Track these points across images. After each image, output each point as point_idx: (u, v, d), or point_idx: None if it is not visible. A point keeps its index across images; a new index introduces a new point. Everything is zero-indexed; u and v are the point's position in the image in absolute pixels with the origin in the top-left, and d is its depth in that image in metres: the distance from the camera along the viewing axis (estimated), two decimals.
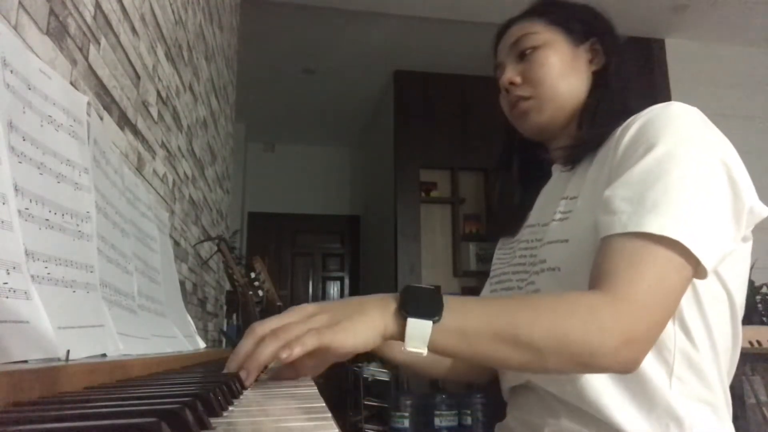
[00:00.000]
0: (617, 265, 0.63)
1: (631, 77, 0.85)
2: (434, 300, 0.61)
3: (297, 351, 0.56)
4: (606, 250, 0.66)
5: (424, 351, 0.60)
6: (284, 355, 0.57)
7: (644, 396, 0.70)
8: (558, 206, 0.80)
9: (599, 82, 0.85)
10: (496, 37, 0.93)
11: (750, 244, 0.74)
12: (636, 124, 0.72)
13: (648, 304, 0.61)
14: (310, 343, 0.57)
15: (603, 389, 0.71)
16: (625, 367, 0.63)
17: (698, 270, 0.64)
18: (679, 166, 0.66)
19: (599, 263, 0.66)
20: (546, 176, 0.91)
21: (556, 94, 0.83)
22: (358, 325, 0.60)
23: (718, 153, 0.69)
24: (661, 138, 0.68)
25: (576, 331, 0.60)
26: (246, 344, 0.60)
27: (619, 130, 0.75)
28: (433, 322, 0.59)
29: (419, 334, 0.59)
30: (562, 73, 0.84)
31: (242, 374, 0.58)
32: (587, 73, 0.85)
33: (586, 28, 0.87)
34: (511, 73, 0.86)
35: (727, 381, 0.75)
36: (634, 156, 0.69)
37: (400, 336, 0.60)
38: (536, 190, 0.91)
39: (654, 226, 0.63)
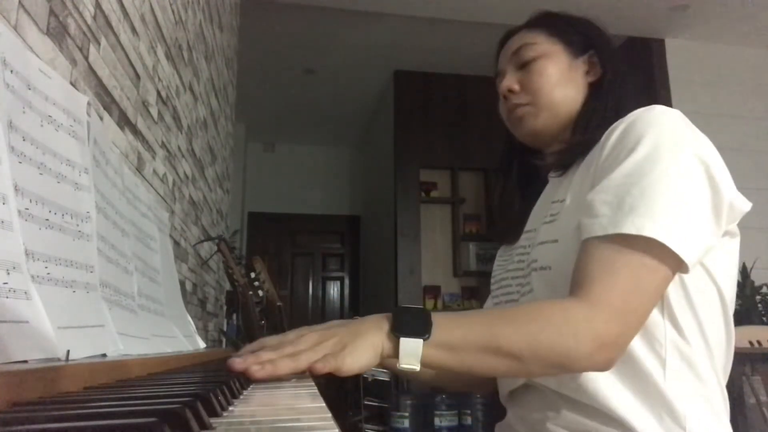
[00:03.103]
0: (592, 271, 0.67)
1: (626, 89, 0.89)
2: (423, 319, 0.66)
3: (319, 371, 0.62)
4: (584, 254, 0.70)
5: (417, 367, 0.65)
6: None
7: (640, 387, 0.72)
8: (549, 209, 0.83)
9: (594, 92, 0.88)
10: (498, 45, 0.97)
11: (737, 240, 0.77)
12: (620, 128, 0.75)
13: (621, 308, 0.65)
14: (328, 368, 0.62)
15: (602, 381, 0.73)
16: (600, 368, 0.68)
17: (681, 265, 0.67)
18: (657, 167, 0.69)
19: (577, 268, 0.70)
20: (544, 185, 0.93)
21: (551, 102, 0.87)
22: (360, 348, 0.65)
23: (695, 151, 0.71)
24: (641, 141, 0.71)
25: (552, 339, 0.65)
26: (268, 354, 0.63)
27: (606, 133, 0.78)
28: (424, 340, 0.65)
29: (412, 352, 0.65)
30: (559, 83, 0.88)
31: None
32: (583, 84, 0.89)
33: (585, 40, 0.91)
34: (509, 81, 0.91)
35: (723, 378, 0.77)
36: (616, 160, 0.72)
37: (395, 354, 0.65)
38: (534, 198, 0.94)
39: (630, 227, 0.66)
